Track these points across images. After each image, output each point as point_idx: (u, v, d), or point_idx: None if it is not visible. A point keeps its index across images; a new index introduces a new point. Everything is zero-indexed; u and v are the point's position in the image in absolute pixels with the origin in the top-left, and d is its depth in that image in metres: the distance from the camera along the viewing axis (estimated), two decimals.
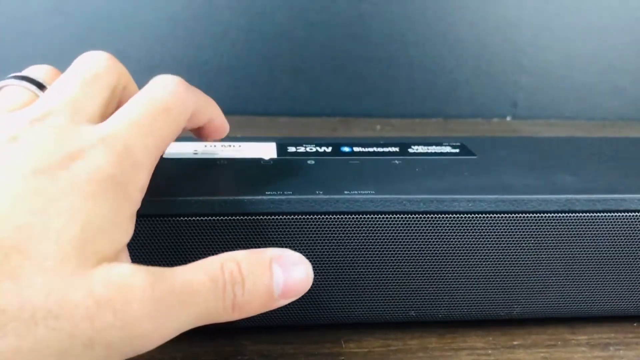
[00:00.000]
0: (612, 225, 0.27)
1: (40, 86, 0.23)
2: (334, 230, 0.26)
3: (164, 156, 0.29)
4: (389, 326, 0.29)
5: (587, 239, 0.28)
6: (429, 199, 0.26)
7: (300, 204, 0.26)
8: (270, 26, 0.60)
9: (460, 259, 0.27)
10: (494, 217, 0.27)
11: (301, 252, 0.22)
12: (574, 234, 0.27)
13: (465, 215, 0.26)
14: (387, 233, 0.26)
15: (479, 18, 0.62)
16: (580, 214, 0.27)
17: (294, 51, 0.61)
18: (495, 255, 0.27)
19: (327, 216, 0.26)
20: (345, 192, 0.26)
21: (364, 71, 0.63)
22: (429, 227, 0.26)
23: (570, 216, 0.27)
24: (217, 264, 0.20)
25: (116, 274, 0.18)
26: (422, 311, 0.28)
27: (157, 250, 0.25)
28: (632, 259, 0.28)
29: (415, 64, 0.63)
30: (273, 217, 0.26)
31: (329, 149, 0.32)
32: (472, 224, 0.27)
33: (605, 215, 0.27)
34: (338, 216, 0.26)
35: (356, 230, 0.26)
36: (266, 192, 0.26)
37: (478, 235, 0.27)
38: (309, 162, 0.30)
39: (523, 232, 0.27)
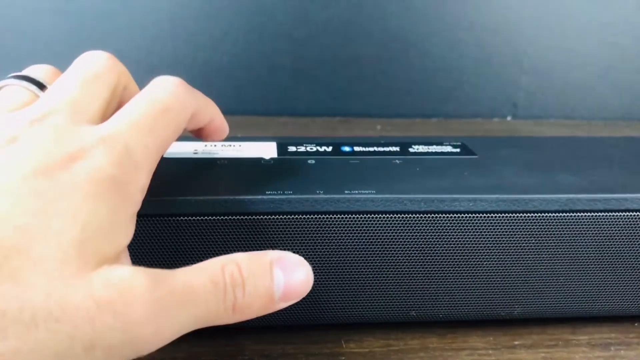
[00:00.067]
0: (613, 224, 0.27)
1: (41, 86, 0.23)
2: (334, 230, 0.26)
3: (164, 156, 0.29)
4: (390, 326, 0.29)
5: (588, 239, 0.28)
6: (430, 199, 0.26)
7: (301, 204, 0.25)
8: (270, 26, 0.60)
9: (461, 258, 0.27)
10: (495, 216, 0.27)
11: (301, 252, 0.22)
12: (574, 233, 0.27)
13: (466, 214, 0.26)
14: (388, 233, 0.26)
15: (479, 18, 0.62)
16: (581, 214, 0.27)
17: (294, 51, 0.61)
18: (496, 255, 0.27)
19: (327, 216, 0.26)
20: (346, 191, 0.26)
21: (364, 71, 0.63)
22: (430, 226, 0.26)
23: (571, 216, 0.27)
24: (218, 265, 0.20)
25: (117, 276, 0.18)
26: (422, 311, 0.28)
27: (157, 250, 0.25)
28: (633, 258, 0.28)
29: (415, 64, 0.63)
30: (273, 216, 0.25)
31: (330, 149, 0.32)
32: (472, 223, 0.27)
33: (606, 215, 0.27)
34: (338, 216, 0.26)
35: (357, 229, 0.26)
36: (266, 192, 0.26)
37: (479, 235, 0.27)
38: (309, 161, 0.30)
39: (524, 231, 0.27)
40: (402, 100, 0.64)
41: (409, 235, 0.26)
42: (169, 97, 0.22)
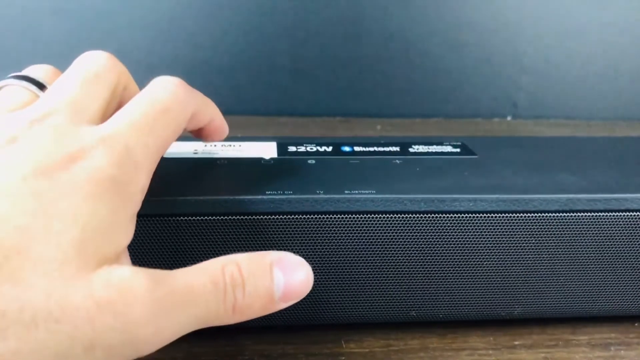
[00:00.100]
0: (613, 224, 0.27)
1: (41, 86, 0.23)
2: (334, 230, 0.26)
3: (164, 156, 0.29)
4: (390, 326, 0.29)
5: (588, 239, 0.28)
6: (430, 199, 0.26)
7: (301, 204, 0.25)
8: (270, 26, 0.60)
9: (461, 258, 0.27)
10: (495, 216, 0.27)
11: (301, 252, 0.22)
12: (575, 233, 0.27)
13: (466, 214, 0.26)
14: (388, 232, 0.26)
15: (479, 18, 0.62)
16: (581, 214, 0.27)
17: (294, 51, 0.61)
18: (496, 255, 0.27)
19: (327, 216, 0.26)
20: (346, 191, 0.26)
21: (364, 71, 0.63)
22: (430, 226, 0.26)
23: (571, 216, 0.27)
24: (218, 266, 0.20)
25: (117, 276, 0.18)
26: (423, 311, 0.28)
27: (157, 250, 0.25)
28: (633, 258, 0.28)
29: (415, 64, 0.63)
30: (273, 216, 0.25)
31: (330, 149, 0.32)
32: (473, 223, 0.27)
33: (606, 215, 0.27)
34: (338, 216, 0.26)
35: (357, 229, 0.26)
36: (266, 192, 0.26)
37: (479, 235, 0.27)
38: (309, 161, 0.30)
39: (524, 231, 0.27)
40: (402, 100, 0.64)
41: (409, 235, 0.26)
42: (169, 97, 0.22)
